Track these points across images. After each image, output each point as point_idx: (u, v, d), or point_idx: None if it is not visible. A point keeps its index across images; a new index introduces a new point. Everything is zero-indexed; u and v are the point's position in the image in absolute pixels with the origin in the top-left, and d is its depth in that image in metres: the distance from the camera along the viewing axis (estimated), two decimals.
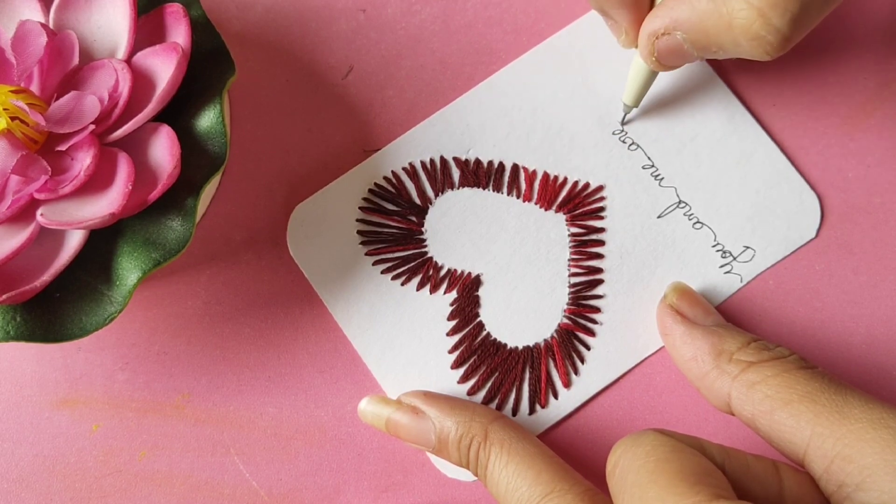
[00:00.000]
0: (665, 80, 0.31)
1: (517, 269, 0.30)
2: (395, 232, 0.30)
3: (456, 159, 0.30)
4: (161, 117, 0.26)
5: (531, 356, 0.29)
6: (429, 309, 0.29)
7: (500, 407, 0.29)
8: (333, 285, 0.29)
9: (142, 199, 0.25)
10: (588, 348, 0.29)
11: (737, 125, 0.30)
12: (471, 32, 0.32)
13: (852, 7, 0.32)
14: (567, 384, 0.29)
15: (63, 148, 0.25)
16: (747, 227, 0.30)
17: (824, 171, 0.30)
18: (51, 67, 0.26)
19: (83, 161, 0.25)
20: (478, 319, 0.29)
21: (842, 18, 0.31)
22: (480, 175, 0.30)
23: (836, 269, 0.29)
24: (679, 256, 0.30)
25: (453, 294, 0.29)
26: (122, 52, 0.26)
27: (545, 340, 0.29)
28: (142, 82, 0.26)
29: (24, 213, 0.25)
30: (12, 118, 0.24)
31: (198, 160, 0.26)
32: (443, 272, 0.30)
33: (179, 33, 0.26)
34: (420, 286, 0.29)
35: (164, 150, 0.25)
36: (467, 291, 0.29)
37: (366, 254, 0.30)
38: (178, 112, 0.27)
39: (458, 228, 0.30)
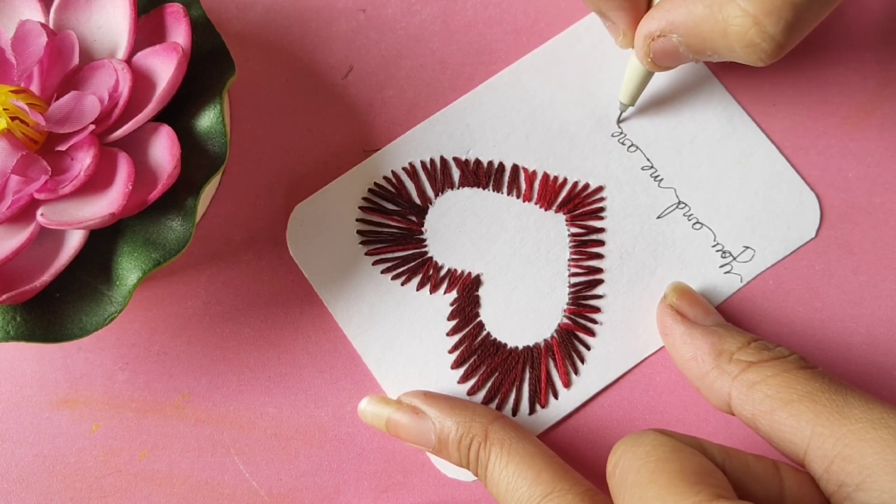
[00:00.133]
0: (664, 82, 0.31)
1: (517, 269, 0.30)
2: (395, 232, 0.30)
3: (456, 159, 0.30)
4: (161, 117, 0.26)
5: (531, 356, 0.29)
6: (429, 309, 0.29)
7: (500, 407, 0.29)
8: (333, 285, 0.29)
9: (142, 199, 0.25)
10: (588, 348, 0.29)
11: (736, 126, 0.30)
12: (471, 32, 0.32)
13: (852, 7, 0.32)
14: (567, 384, 0.29)
15: (63, 148, 0.25)
16: (747, 228, 0.30)
17: (824, 171, 0.30)
18: (51, 67, 0.26)
19: (83, 161, 0.25)
20: (478, 319, 0.29)
21: (842, 18, 0.31)
22: (480, 175, 0.30)
23: (836, 269, 0.29)
24: (679, 256, 0.30)
25: (453, 294, 0.29)
26: (122, 52, 0.26)
27: (545, 340, 0.29)
28: (142, 82, 0.26)
29: (24, 213, 0.25)
30: (12, 118, 0.24)
31: (198, 160, 0.26)
32: (443, 272, 0.30)
33: (179, 33, 0.26)
34: (420, 286, 0.29)
35: (164, 150, 0.25)
36: (467, 291, 0.29)
37: (366, 254, 0.30)
38: (178, 112, 0.27)
39: (458, 228, 0.30)
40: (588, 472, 0.28)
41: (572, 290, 0.29)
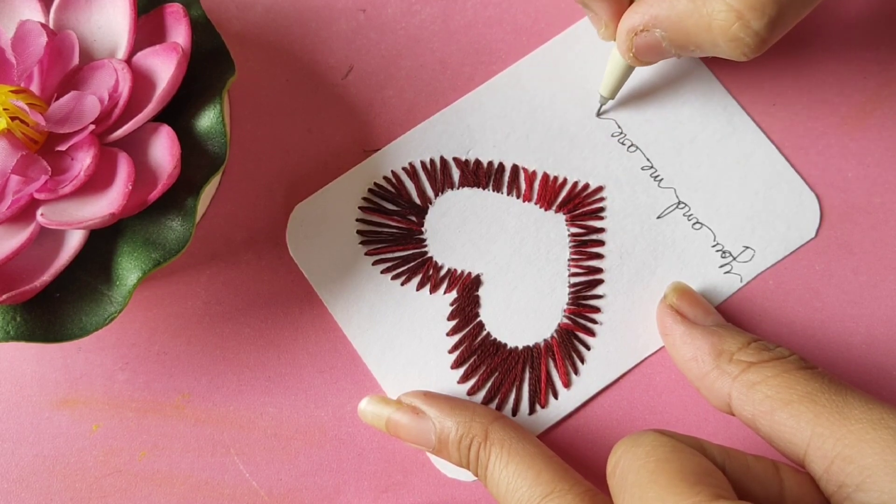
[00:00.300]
0: (664, 82, 0.31)
1: (517, 269, 0.30)
2: (394, 232, 0.30)
3: (456, 159, 0.30)
4: (161, 117, 0.26)
5: (531, 356, 0.29)
6: (429, 309, 0.29)
7: (500, 407, 0.29)
8: (333, 285, 0.29)
9: (142, 199, 0.25)
10: (588, 348, 0.29)
11: (736, 126, 0.30)
12: (471, 32, 0.32)
13: (852, 7, 0.32)
14: (567, 384, 0.29)
15: (63, 148, 0.25)
16: (747, 228, 0.30)
17: (824, 171, 0.30)
18: (51, 67, 0.26)
19: (83, 161, 0.25)
20: (478, 319, 0.29)
21: (842, 18, 0.31)
22: (480, 175, 0.30)
23: (836, 269, 0.29)
24: (679, 256, 0.30)
25: (453, 294, 0.29)
26: (122, 52, 0.26)
27: (545, 340, 0.29)
28: (142, 82, 0.26)
29: (24, 213, 0.25)
30: (12, 118, 0.24)
31: (198, 160, 0.26)
32: (443, 272, 0.30)
33: (179, 33, 0.26)
34: (420, 286, 0.29)
35: (164, 150, 0.25)
36: (467, 291, 0.29)
37: (366, 254, 0.30)
38: (178, 112, 0.27)
39: (458, 228, 0.30)
40: (588, 472, 0.28)
41: (572, 290, 0.29)
